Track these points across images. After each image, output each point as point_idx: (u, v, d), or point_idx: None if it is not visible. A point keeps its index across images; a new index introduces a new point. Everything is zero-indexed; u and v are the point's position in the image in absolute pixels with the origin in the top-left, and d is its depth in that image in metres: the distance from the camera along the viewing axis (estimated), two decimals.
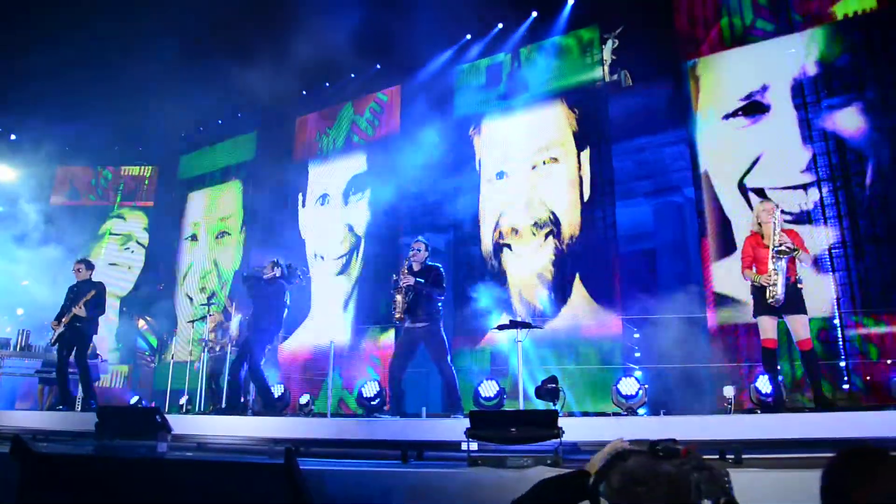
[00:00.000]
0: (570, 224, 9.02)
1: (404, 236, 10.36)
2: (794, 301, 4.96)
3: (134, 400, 9.99)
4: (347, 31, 9.54)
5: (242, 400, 7.27)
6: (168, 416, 4.63)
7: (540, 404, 6.17)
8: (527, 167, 9.62)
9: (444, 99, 10.68)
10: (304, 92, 12.17)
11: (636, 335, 8.49)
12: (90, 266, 7.48)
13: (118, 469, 3.63)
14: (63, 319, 7.08)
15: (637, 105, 8.93)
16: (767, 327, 5.06)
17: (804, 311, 5.02)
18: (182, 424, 5.18)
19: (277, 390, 8.07)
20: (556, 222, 9.11)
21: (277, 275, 6.96)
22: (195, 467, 3.37)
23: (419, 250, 6.19)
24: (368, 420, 5.52)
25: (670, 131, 9.15)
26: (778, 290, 4.88)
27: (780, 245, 4.92)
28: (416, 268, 6.14)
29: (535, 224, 9.27)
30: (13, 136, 14.24)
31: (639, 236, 11.14)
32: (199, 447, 4.96)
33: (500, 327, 6.27)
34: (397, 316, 6.06)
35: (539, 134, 9.62)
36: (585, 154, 9.09)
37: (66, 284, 7.55)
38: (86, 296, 7.04)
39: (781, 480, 2.83)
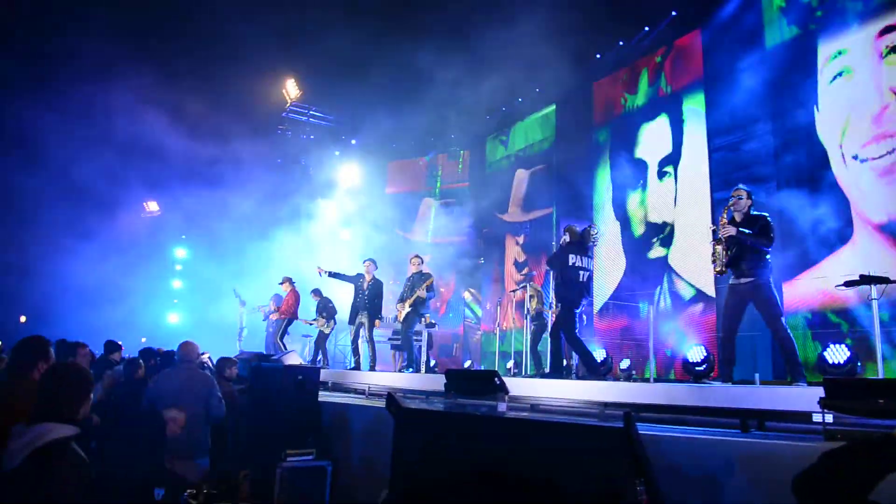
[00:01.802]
0: None
1: (716, 192, 9.62)
2: None
3: (467, 364, 11.08)
4: None
5: (566, 364, 7.55)
6: None
7: None
8: (873, 68, 7.97)
9: (752, 32, 9.54)
10: (599, 55, 11.96)
11: None
12: (422, 259, 8.97)
13: (468, 423, 4.07)
14: (406, 301, 8.33)
15: None
16: None
17: None
18: (512, 386, 5.56)
19: (599, 355, 8.20)
20: None
21: (567, 240, 7.01)
22: (536, 426, 3.63)
23: (740, 198, 5.67)
24: (700, 386, 5.27)
25: None
26: None
27: None
28: (737, 218, 5.64)
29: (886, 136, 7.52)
30: (353, 142, 16.93)
31: None
32: (532, 408, 5.29)
33: (849, 283, 5.38)
34: (717, 269, 5.65)
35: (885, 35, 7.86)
36: None
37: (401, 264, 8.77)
38: (423, 283, 8.36)
39: None
